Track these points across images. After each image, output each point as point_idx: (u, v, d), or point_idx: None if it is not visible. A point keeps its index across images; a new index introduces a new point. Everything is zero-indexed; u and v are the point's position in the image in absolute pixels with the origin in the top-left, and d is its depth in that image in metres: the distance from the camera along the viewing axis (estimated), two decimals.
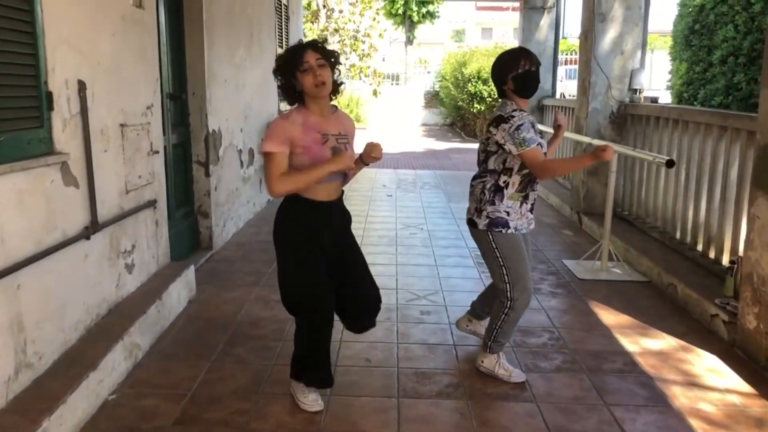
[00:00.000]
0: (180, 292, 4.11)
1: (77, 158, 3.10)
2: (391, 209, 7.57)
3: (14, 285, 2.58)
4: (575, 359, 3.51)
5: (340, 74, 2.87)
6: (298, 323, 2.90)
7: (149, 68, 4.02)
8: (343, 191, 2.96)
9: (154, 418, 2.83)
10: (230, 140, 6.06)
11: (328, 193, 2.82)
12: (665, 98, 11.32)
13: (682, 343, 3.76)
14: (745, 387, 3.23)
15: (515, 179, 3.11)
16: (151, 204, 4.02)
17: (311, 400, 2.95)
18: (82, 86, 3.11)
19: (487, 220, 3.15)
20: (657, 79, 17.40)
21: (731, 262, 4.16)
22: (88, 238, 3.17)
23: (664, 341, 3.78)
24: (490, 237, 3.16)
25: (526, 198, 3.17)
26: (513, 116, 3.03)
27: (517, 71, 3.08)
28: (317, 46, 2.78)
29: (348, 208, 3.04)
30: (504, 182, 3.12)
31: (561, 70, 17.01)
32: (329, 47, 2.89)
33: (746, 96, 8.91)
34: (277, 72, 2.81)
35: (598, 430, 2.82)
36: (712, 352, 3.63)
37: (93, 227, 3.21)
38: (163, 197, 4.24)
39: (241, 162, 6.51)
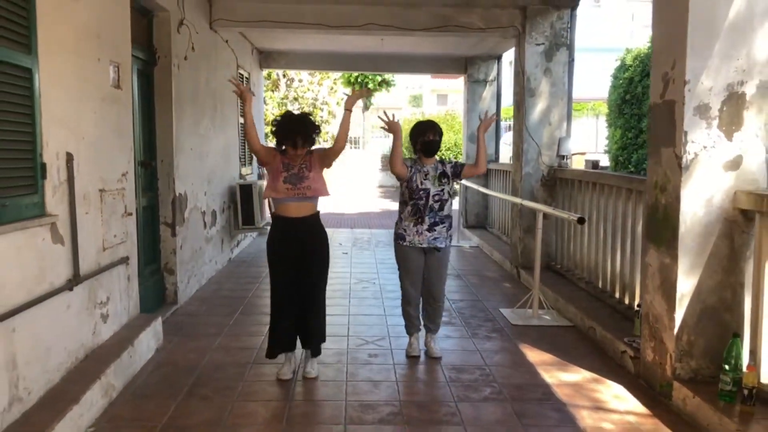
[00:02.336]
0: (149, 341, 4.51)
1: (64, 220, 3.57)
2: (347, 265, 8.08)
3: (10, 328, 3.01)
4: (501, 391, 4.03)
5: (319, 134, 4.12)
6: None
7: (125, 140, 4.54)
8: (317, 212, 4.13)
9: None
10: (195, 203, 6.55)
11: (296, 210, 4.03)
12: (606, 161, 12.23)
13: (595, 376, 4.31)
14: (642, 409, 3.78)
15: (408, 208, 4.47)
16: (124, 261, 4.47)
17: (284, 371, 4.11)
18: (69, 158, 3.62)
19: (394, 235, 4.61)
20: (602, 142, 18.37)
21: (638, 305, 4.78)
22: (71, 289, 3.61)
23: (579, 375, 4.33)
24: (394, 247, 4.61)
25: (420, 220, 4.40)
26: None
27: (424, 138, 4.41)
28: (304, 132, 3.95)
29: None
30: (401, 210, 4.56)
31: (506, 136, 17.92)
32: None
33: None
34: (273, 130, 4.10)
35: None
36: (620, 382, 4.19)
37: (75, 280, 3.65)
38: (134, 254, 4.69)
39: (205, 223, 6.99)
